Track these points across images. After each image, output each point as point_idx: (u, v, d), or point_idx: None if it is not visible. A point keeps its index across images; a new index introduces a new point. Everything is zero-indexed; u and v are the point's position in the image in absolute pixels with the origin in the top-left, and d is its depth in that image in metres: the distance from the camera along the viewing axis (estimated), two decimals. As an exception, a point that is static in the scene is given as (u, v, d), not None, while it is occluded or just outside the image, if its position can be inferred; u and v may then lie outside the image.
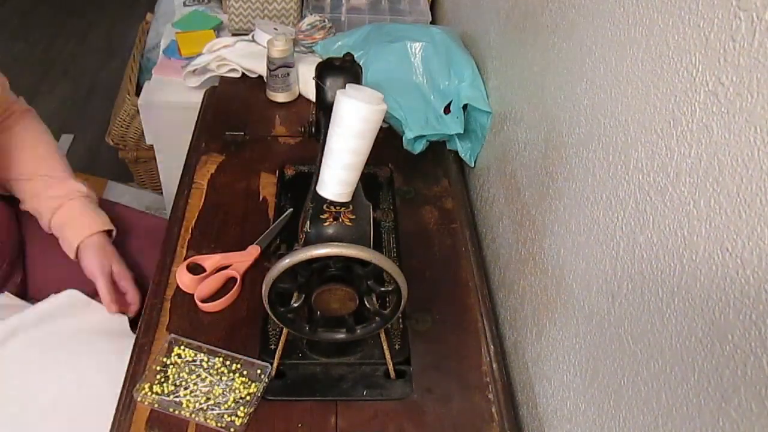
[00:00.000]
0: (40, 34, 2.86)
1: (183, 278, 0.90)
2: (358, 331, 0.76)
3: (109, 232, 1.05)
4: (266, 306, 0.72)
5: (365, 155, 0.69)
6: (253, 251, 0.94)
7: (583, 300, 0.71)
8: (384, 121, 0.89)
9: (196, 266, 0.92)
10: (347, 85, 0.68)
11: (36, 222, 1.06)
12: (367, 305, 0.74)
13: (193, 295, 0.89)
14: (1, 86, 1.04)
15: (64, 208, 1.03)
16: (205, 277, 0.90)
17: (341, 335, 0.77)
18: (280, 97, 1.26)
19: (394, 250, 0.98)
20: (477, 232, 1.09)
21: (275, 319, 0.74)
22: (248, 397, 0.78)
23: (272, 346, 0.83)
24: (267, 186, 1.08)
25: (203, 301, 0.88)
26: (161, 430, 0.76)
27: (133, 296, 1.02)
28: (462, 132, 1.11)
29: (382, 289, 0.72)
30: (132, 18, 2.74)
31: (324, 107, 0.86)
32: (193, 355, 0.82)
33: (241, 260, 0.93)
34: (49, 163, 1.06)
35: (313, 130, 0.94)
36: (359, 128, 0.66)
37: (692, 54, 0.52)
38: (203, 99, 1.29)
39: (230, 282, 0.91)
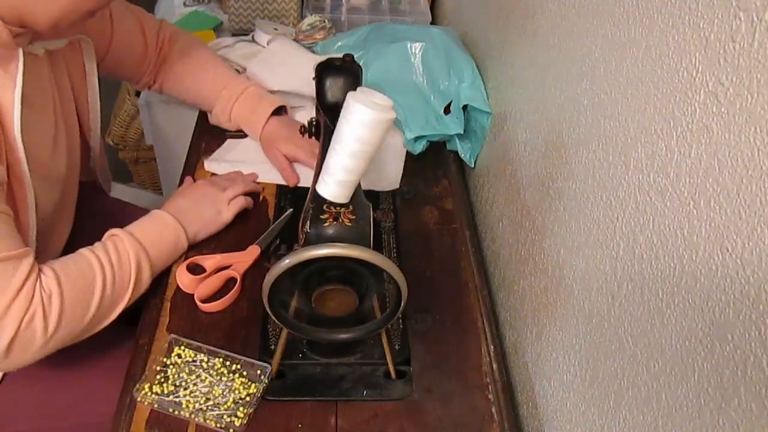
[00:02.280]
0: (40, 34, 2.85)
1: (183, 278, 0.90)
2: (359, 331, 0.76)
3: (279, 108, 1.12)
4: (266, 306, 0.72)
5: (368, 161, 0.69)
6: (253, 251, 0.94)
7: (583, 300, 0.71)
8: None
9: (195, 266, 0.92)
10: (359, 88, 0.67)
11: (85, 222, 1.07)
12: (367, 305, 0.74)
13: (193, 295, 0.89)
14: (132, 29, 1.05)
15: (239, 102, 1.11)
16: (205, 277, 0.90)
17: (342, 335, 0.77)
18: (280, 97, 1.26)
19: (394, 250, 0.98)
20: (477, 233, 1.09)
21: (276, 320, 0.74)
22: (248, 398, 0.78)
23: (272, 346, 0.83)
24: (267, 186, 1.08)
25: (203, 301, 0.88)
26: (161, 431, 0.76)
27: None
28: (462, 132, 1.11)
29: (382, 286, 0.72)
30: (132, 18, 2.73)
31: (324, 107, 0.86)
32: (193, 355, 0.82)
33: (241, 260, 0.93)
34: (219, 79, 1.12)
35: (313, 130, 0.94)
36: (365, 135, 0.65)
37: (692, 54, 0.52)
38: (203, 99, 1.28)
39: (230, 282, 0.91)
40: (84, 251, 0.81)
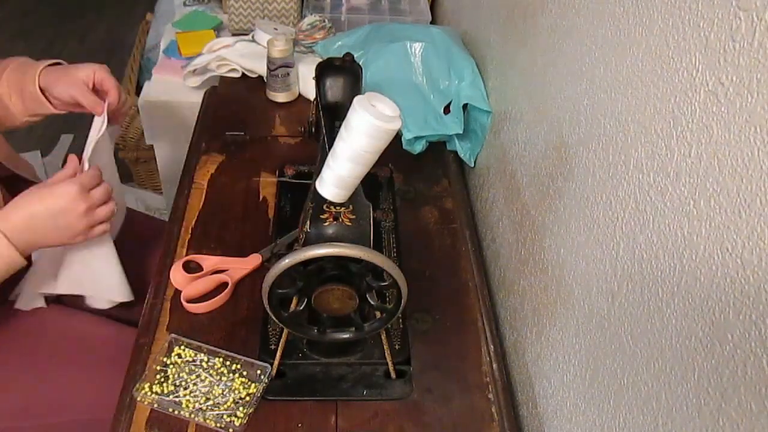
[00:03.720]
0: (40, 34, 2.86)
1: (176, 275, 0.89)
2: (366, 328, 0.76)
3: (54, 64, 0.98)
4: (266, 306, 0.72)
5: (369, 166, 0.68)
6: (254, 260, 0.93)
7: (583, 300, 0.71)
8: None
9: (193, 264, 0.92)
10: (368, 93, 0.66)
11: None
12: (370, 302, 0.74)
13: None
14: None
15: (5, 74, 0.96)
16: (198, 277, 0.90)
17: (343, 335, 0.77)
18: (280, 97, 1.26)
19: (394, 250, 0.98)
20: (477, 232, 1.09)
21: (276, 320, 0.74)
22: (248, 398, 0.78)
23: (272, 346, 0.83)
24: (267, 186, 1.08)
25: (191, 301, 0.88)
26: (161, 430, 0.76)
27: (114, 94, 0.95)
28: (461, 132, 1.11)
29: (381, 284, 0.72)
30: (132, 18, 2.74)
31: (324, 107, 0.86)
32: (193, 355, 0.82)
33: (239, 266, 0.92)
34: None
35: (313, 130, 0.94)
36: (369, 144, 0.65)
37: (692, 54, 0.52)
38: (203, 99, 1.29)
39: (222, 286, 0.91)
40: None
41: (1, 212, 0.78)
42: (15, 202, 0.79)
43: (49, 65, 0.96)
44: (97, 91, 0.95)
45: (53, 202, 0.79)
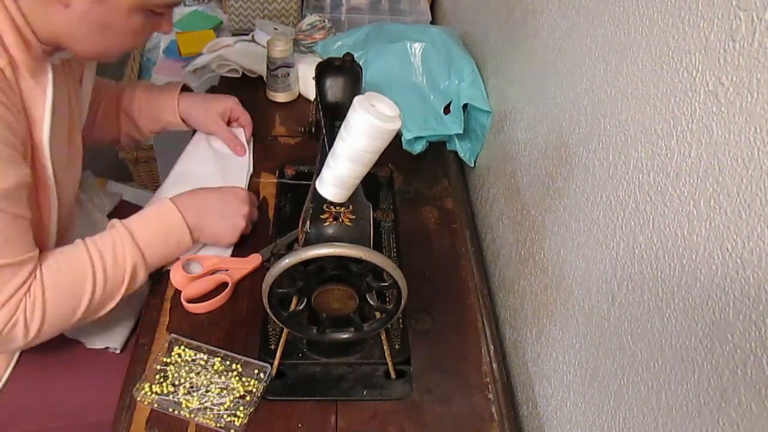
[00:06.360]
0: (40, 34, 2.85)
1: (176, 275, 0.89)
2: (365, 328, 0.76)
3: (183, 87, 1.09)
4: (266, 306, 0.72)
5: (369, 166, 0.68)
6: (254, 260, 0.93)
7: (583, 300, 0.71)
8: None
9: (192, 264, 0.92)
10: (367, 93, 0.66)
11: None
12: (370, 302, 0.74)
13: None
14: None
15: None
16: (198, 277, 0.90)
17: (343, 335, 0.77)
18: (280, 97, 1.26)
19: (394, 250, 0.98)
20: (477, 232, 1.09)
21: (276, 320, 0.74)
22: (248, 397, 0.78)
23: (272, 346, 0.83)
24: (267, 186, 1.08)
25: (191, 300, 0.88)
26: (161, 430, 0.76)
27: (249, 128, 1.11)
28: (461, 132, 1.11)
29: (381, 284, 0.72)
30: (132, 18, 2.73)
31: (324, 107, 0.86)
32: (193, 355, 0.82)
33: (238, 266, 0.92)
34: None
35: (313, 130, 0.94)
36: (369, 144, 0.65)
37: (692, 54, 0.52)
38: (203, 99, 1.28)
39: (222, 286, 0.91)
40: (82, 251, 0.79)
41: (178, 196, 0.90)
42: (188, 194, 0.91)
43: (181, 91, 1.08)
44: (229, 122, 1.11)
45: (227, 192, 0.93)
